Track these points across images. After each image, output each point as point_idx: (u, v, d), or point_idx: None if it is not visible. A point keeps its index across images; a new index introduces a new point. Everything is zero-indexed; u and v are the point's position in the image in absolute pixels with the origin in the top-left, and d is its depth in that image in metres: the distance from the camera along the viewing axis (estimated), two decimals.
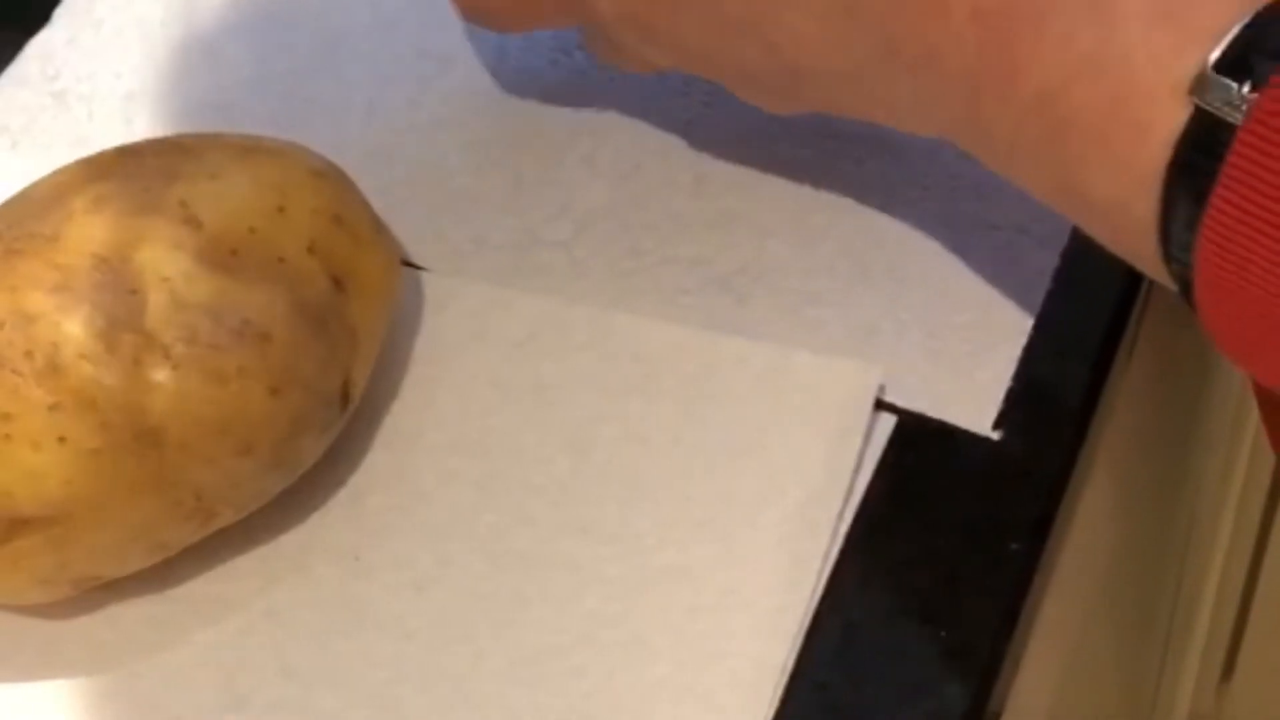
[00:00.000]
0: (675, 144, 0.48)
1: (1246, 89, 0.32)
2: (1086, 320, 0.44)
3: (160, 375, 0.38)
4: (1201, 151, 0.33)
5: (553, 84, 0.50)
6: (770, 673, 0.40)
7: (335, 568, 0.42)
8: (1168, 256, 0.34)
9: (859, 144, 0.47)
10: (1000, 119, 0.37)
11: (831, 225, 0.46)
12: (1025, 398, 0.43)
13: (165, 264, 0.39)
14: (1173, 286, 0.35)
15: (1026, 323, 0.44)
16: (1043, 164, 0.37)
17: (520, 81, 0.50)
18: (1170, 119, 0.33)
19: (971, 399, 0.43)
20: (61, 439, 0.38)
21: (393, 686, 0.40)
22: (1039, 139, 0.36)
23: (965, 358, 0.43)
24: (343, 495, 0.43)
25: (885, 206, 0.46)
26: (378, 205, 0.44)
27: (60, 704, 0.41)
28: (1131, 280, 0.45)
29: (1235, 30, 0.33)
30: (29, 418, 0.38)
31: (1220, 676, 1.03)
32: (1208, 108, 0.32)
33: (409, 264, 0.47)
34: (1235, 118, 0.32)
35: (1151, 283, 0.48)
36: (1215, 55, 0.33)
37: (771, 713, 0.39)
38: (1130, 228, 0.35)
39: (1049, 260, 0.45)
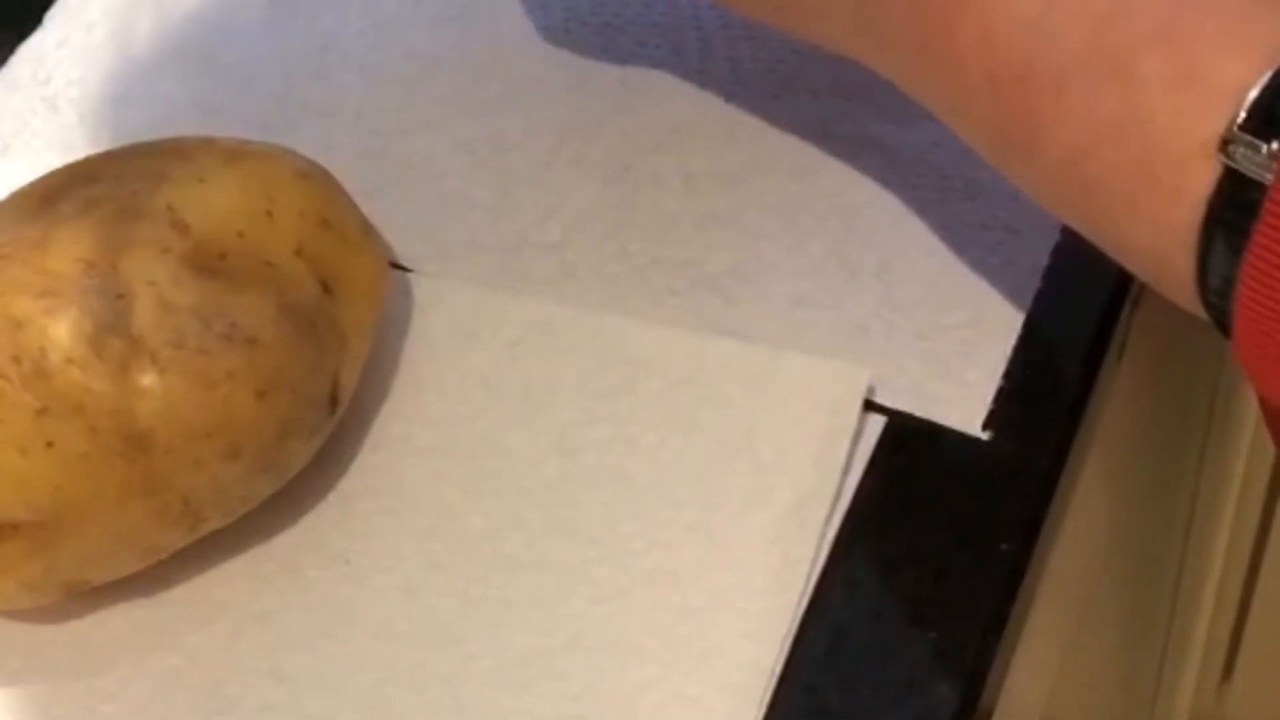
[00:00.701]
0: (664, 145, 0.48)
1: (1275, 145, 0.32)
2: (1077, 320, 0.44)
3: (148, 380, 0.38)
4: (1233, 209, 0.33)
5: (542, 86, 0.50)
6: (759, 675, 0.39)
7: (325, 571, 0.42)
8: (1206, 302, 0.35)
9: (849, 144, 0.47)
10: (1027, 174, 0.38)
11: (820, 226, 0.46)
12: (1015, 397, 0.43)
13: (152, 268, 0.39)
14: (1207, 319, 0.36)
15: (1017, 322, 0.44)
16: (1073, 215, 0.38)
17: (509, 83, 0.50)
18: (1200, 179, 0.34)
19: (961, 399, 0.42)
20: (49, 444, 0.38)
21: (382, 689, 0.40)
22: (1067, 196, 0.37)
23: (955, 358, 0.43)
24: (332, 498, 0.43)
25: (874, 207, 0.46)
26: (367, 207, 0.44)
27: (50, 708, 0.41)
28: (1122, 280, 0.45)
29: (1257, 90, 0.33)
30: (16, 423, 0.38)
31: (1221, 676, 1.03)
32: (1236, 167, 0.33)
33: (398, 266, 0.47)
34: (1265, 176, 0.32)
35: (1143, 284, 0.49)
36: (1241, 116, 0.33)
37: (761, 715, 0.39)
38: (1167, 275, 0.36)
39: (1039, 260, 0.45)
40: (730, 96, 0.49)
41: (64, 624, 0.42)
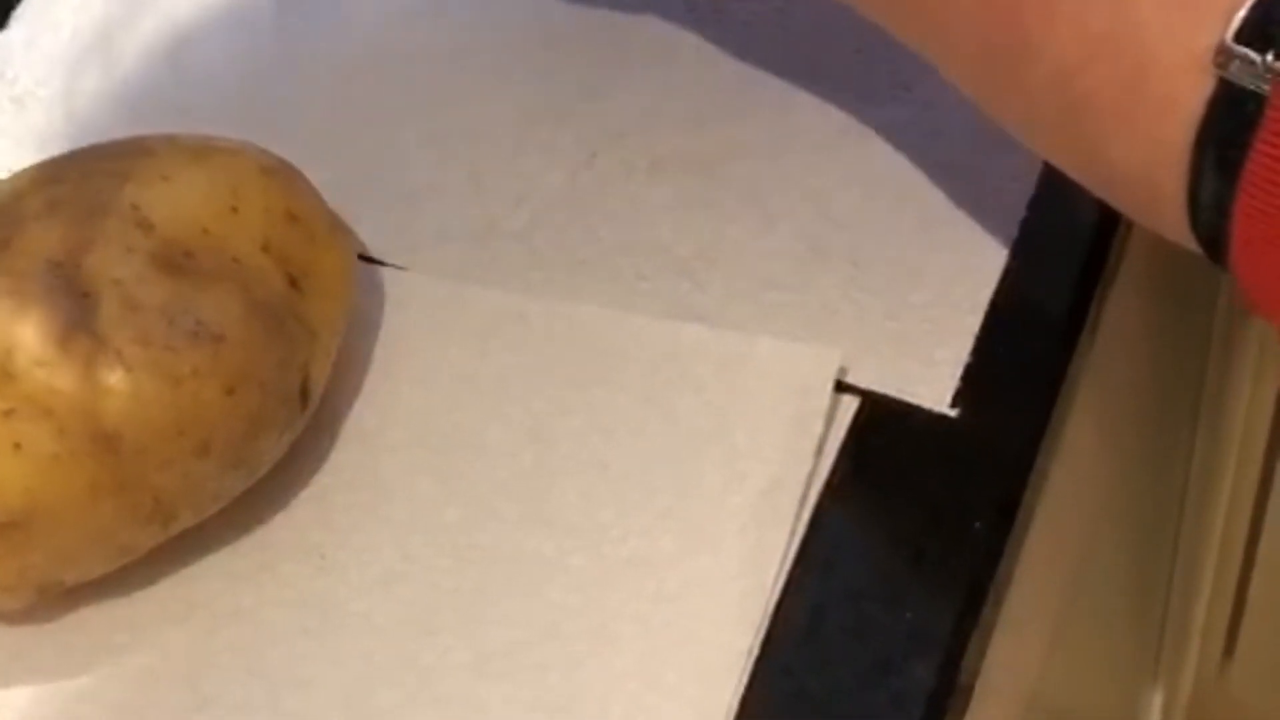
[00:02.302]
0: (631, 130, 0.48)
1: (1270, 58, 0.33)
2: (1048, 295, 0.44)
3: (114, 378, 0.38)
4: (1227, 121, 0.33)
5: (508, 75, 0.50)
6: (735, 659, 0.39)
7: (301, 566, 0.42)
8: (1195, 222, 0.35)
9: (817, 126, 0.47)
10: (1014, 98, 0.38)
11: (789, 208, 0.46)
12: (986, 375, 0.43)
13: (118, 267, 0.39)
14: (1195, 248, 0.36)
15: (985, 300, 0.44)
16: (1061, 140, 0.37)
17: (475, 74, 0.50)
18: (1193, 92, 0.34)
19: (931, 378, 0.42)
20: (17, 445, 0.38)
21: (360, 683, 0.40)
22: (1057, 117, 0.37)
23: (924, 337, 0.43)
24: (306, 494, 0.43)
25: (842, 187, 0.46)
26: (336, 201, 0.44)
27: (27, 709, 0.41)
28: (1093, 257, 0.45)
29: (1249, 3, 0.33)
30: None
31: (1222, 654, 1.03)
32: (1231, 79, 0.33)
33: (368, 259, 0.46)
34: (1262, 87, 0.33)
35: (1118, 255, 0.48)
36: (1234, 28, 0.33)
37: (737, 699, 0.39)
38: (1155, 197, 0.36)
39: (1007, 236, 0.44)
40: (697, 81, 0.49)
41: (40, 625, 0.42)
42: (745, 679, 0.39)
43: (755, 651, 0.40)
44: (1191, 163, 0.34)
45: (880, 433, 0.42)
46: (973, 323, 0.43)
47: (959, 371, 0.42)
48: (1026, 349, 0.43)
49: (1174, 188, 0.35)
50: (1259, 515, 0.93)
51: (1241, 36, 0.33)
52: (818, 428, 0.42)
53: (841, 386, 0.43)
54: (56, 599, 0.41)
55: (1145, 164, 0.35)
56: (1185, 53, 0.34)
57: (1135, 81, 0.35)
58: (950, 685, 0.40)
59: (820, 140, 0.47)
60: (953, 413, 0.42)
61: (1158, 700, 1.02)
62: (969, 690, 0.42)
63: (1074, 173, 0.38)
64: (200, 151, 0.42)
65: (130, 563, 0.41)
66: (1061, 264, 0.45)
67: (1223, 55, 0.33)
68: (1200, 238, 0.35)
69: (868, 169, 0.46)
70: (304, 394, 0.42)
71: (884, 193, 0.46)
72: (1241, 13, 0.33)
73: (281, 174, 0.43)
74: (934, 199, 0.45)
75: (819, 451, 0.42)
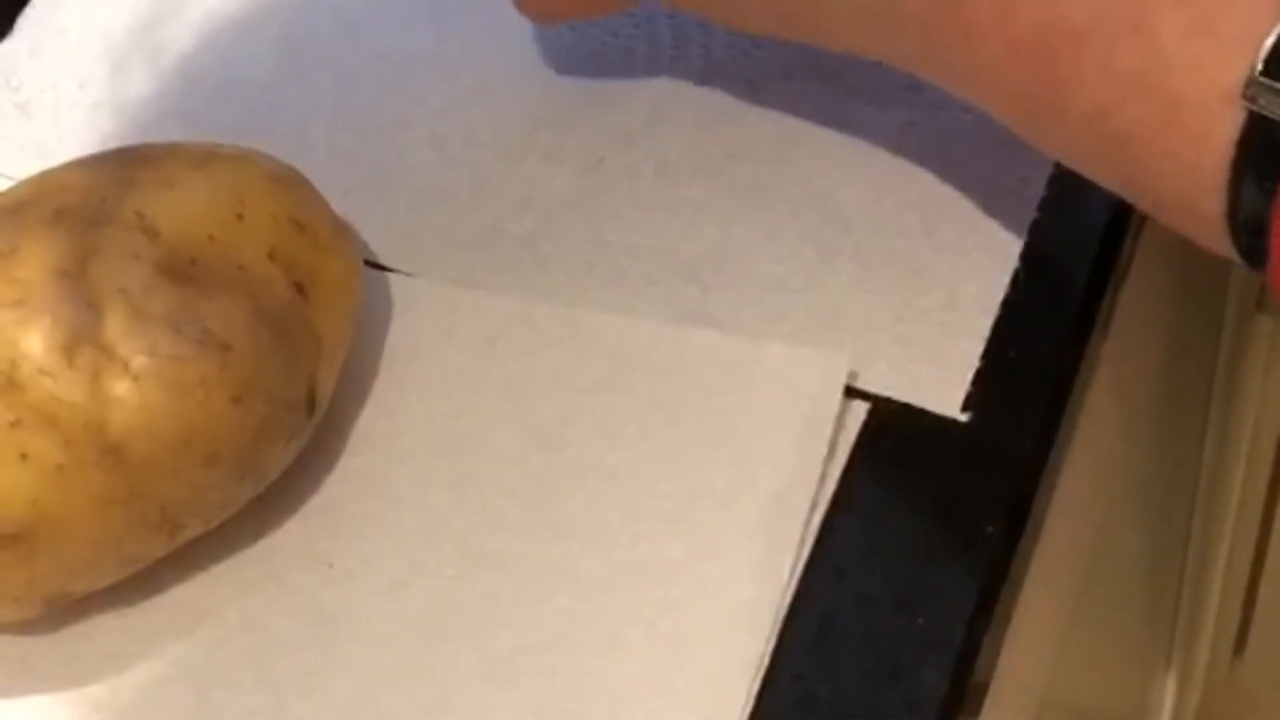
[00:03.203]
0: (638, 134, 0.48)
1: None
2: (1058, 297, 0.44)
3: (121, 388, 0.38)
4: (1264, 150, 0.34)
5: (514, 80, 0.50)
6: (746, 666, 0.39)
7: (308, 575, 0.42)
8: (1236, 240, 0.36)
9: (823, 128, 0.47)
10: (1052, 136, 0.39)
11: (796, 211, 0.46)
12: (996, 378, 0.42)
13: (123, 276, 0.39)
14: (1238, 261, 0.37)
15: (995, 302, 0.43)
16: (1100, 170, 0.39)
17: (481, 79, 0.50)
18: (1225, 125, 0.35)
19: (941, 381, 0.42)
20: (24, 456, 0.38)
21: (367, 692, 0.40)
22: (1094, 150, 0.38)
23: (933, 340, 0.43)
24: (314, 502, 0.43)
25: (849, 190, 0.46)
26: (342, 207, 0.44)
27: (36, 719, 0.41)
28: (1103, 256, 0.45)
29: (1273, 37, 0.34)
30: None
31: (1233, 652, 1.03)
32: (1262, 111, 0.34)
33: (374, 265, 0.46)
34: None
35: (1129, 256, 0.48)
36: (1261, 58, 0.34)
37: (748, 706, 0.39)
38: (1196, 219, 0.36)
39: (1017, 239, 0.44)
40: (703, 84, 0.48)
41: (48, 635, 0.42)
42: (756, 685, 0.39)
43: (766, 658, 0.39)
44: (1229, 189, 0.35)
45: (890, 437, 0.42)
46: (983, 325, 0.43)
47: (969, 375, 0.42)
48: (1037, 352, 0.43)
49: (1214, 210, 0.36)
50: (1270, 512, 0.93)
51: (1269, 67, 0.34)
52: (827, 432, 0.42)
53: (851, 391, 0.43)
54: (64, 609, 0.41)
55: (1184, 190, 0.36)
56: (1214, 88, 0.35)
57: (1168, 117, 0.35)
58: (962, 689, 0.39)
59: (827, 143, 0.47)
60: (963, 416, 0.42)
61: (1169, 698, 1.02)
62: (981, 694, 0.42)
63: (1116, 192, 0.39)
64: (205, 159, 0.42)
65: (138, 572, 0.41)
66: (1072, 266, 0.44)
67: (1251, 89, 0.34)
68: (1242, 253, 0.36)
69: (876, 171, 0.46)
70: (311, 402, 0.41)
71: (892, 195, 0.46)
72: (1269, 41, 0.34)
73: (287, 181, 0.43)
74: (943, 201, 0.45)
75: (829, 456, 0.42)
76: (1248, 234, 0.35)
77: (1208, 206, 0.36)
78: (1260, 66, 0.34)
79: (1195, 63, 0.35)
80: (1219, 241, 0.36)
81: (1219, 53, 0.35)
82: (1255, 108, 0.34)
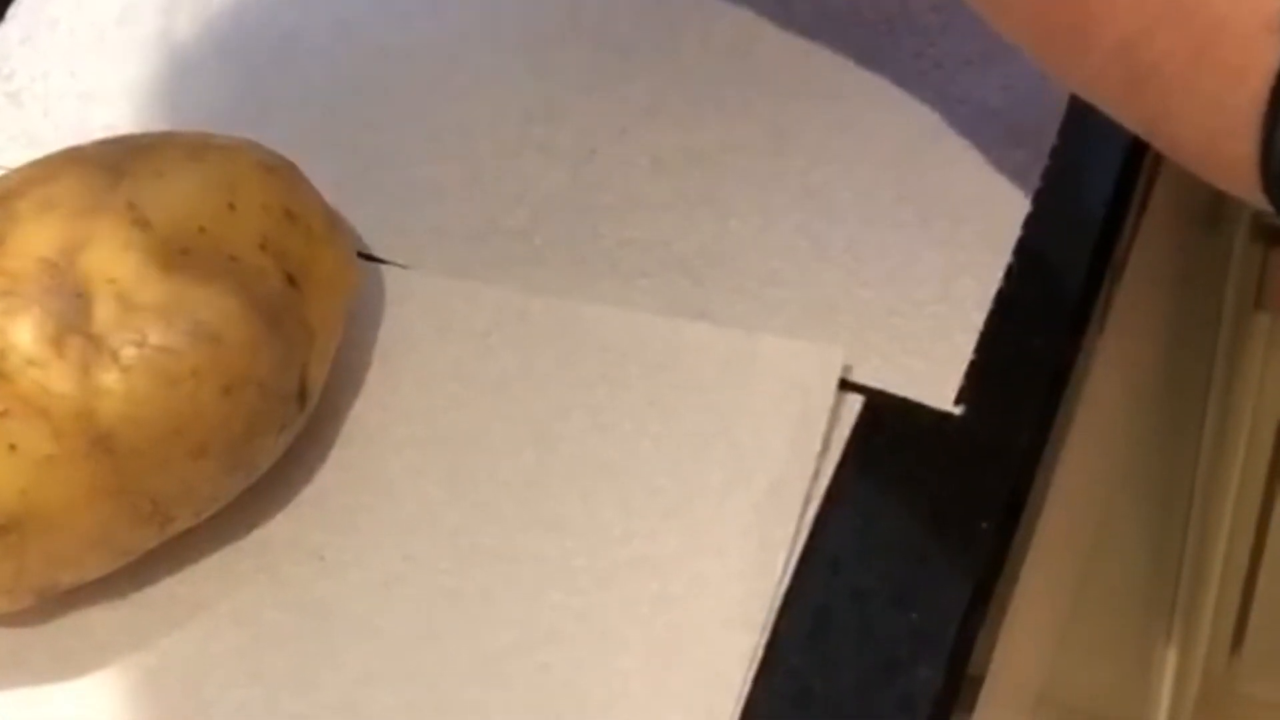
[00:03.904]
0: (632, 127, 0.47)
1: None
2: (1053, 290, 0.44)
3: (110, 379, 0.38)
4: None
5: (507, 73, 0.49)
6: (740, 661, 0.39)
7: (301, 568, 0.42)
8: (1266, 183, 0.35)
9: (818, 121, 0.47)
10: (1076, 70, 0.38)
11: (790, 204, 0.45)
12: (991, 372, 0.42)
13: (113, 266, 0.39)
14: (1264, 206, 0.36)
15: (989, 296, 0.43)
16: (1126, 106, 0.37)
17: (475, 72, 0.50)
18: (1263, 58, 0.33)
19: (935, 375, 0.42)
20: (12, 447, 0.38)
21: (360, 687, 0.40)
22: (1121, 86, 0.37)
23: (927, 334, 0.43)
24: (307, 494, 0.43)
25: (844, 183, 0.46)
26: (336, 199, 0.44)
27: (25, 712, 0.41)
28: (1099, 249, 0.45)
29: None
30: None
31: (1230, 648, 1.03)
32: None
33: (368, 257, 0.46)
34: None
35: (1125, 248, 0.48)
36: None
37: (742, 702, 0.39)
38: (1224, 160, 0.35)
39: (1012, 232, 0.44)
40: (698, 77, 0.48)
41: (39, 628, 0.41)
42: (750, 681, 0.39)
43: (760, 653, 0.39)
44: (1264, 127, 0.34)
45: (884, 431, 0.42)
46: (977, 319, 0.43)
47: (964, 368, 0.42)
48: (1032, 345, 0.43)
49: (1245, 151, 0.34)
50: (1267, 508, 0.92)
51: None
52: (822, 426, 0.42)
53: (845, 384, 0.42)
54: (55, 601, 0.41)
55: (1213, 130, 0.35)
56: (1256, 17, 0.33)
57: (1203, 48, 0.34)
58: (957, 685, 0.39)
59: (821, 136, 0.47)
60: (958, 410, 0.42)
61: (1167, 692, 1.02)
62: (976, 689, 0.42)
63: (1139, 133, 0.38)
64: (198, 148, 0.42)
65: (129, 565, 0.41)
66: (1067, 259, 0.44)
67: None
68: (1271, 198, 0.35)
69: (869, 165, 0.46)
70: (303, 394, 0.41)
71: (887, 188, 0.45)
72: None
73: (280, 171, 0.42)
74: (937, 194, 0.45)
75: (823, 450, 0.41)
76: (1278, 178, 0.34)
77: (1237, 148, 0.34)
78: None
79: None
80: (1246, 186, 0.35)
81: None
82: None
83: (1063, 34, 0.37)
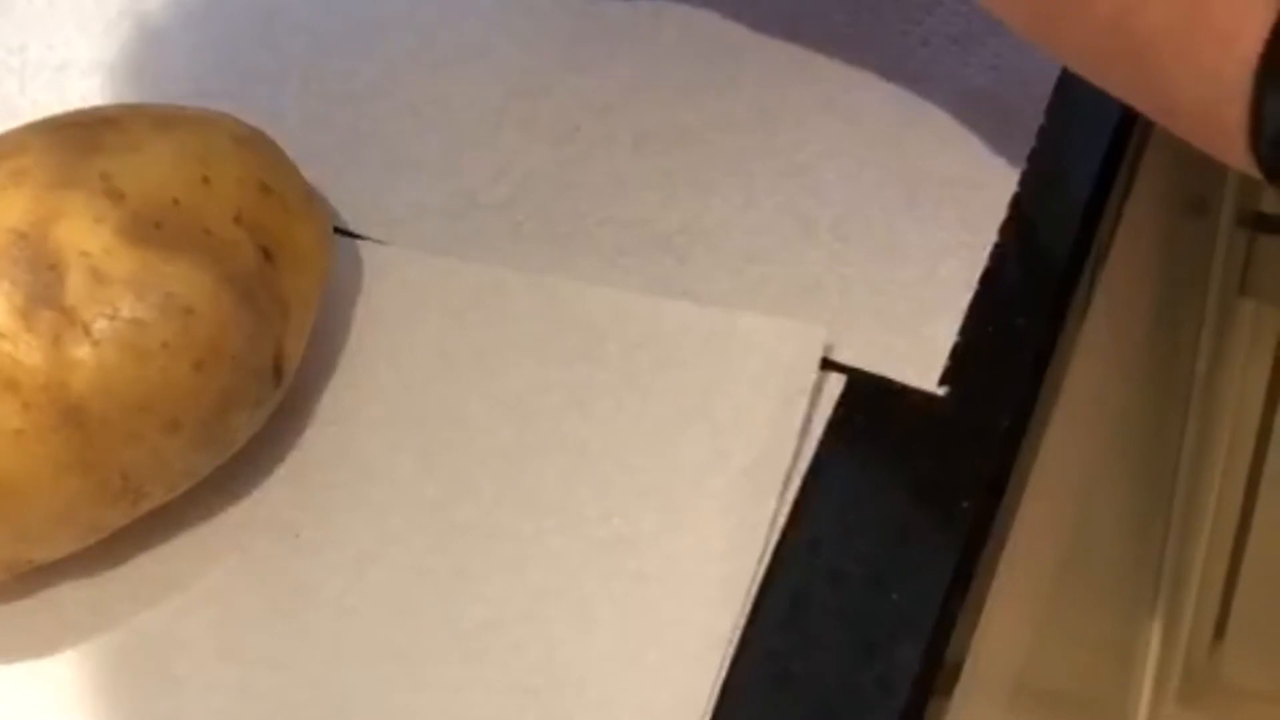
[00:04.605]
0: (615, 104, 0.47)
1: None
2: (1038, 273, 0.43)
3: (81, 352, 0.37)
4: None
5: (490, 47, 0.49)
6: (718, 641, 0.39)
7: (275, 546, 0.41)
8: (1257, 151, 0.35)
9: (803, 101, 0.46)
10: (1070, 40, 0.38)
11: (774, 183, 0.45)
12: (974, 353, 0.42)
13: (86, 238, 0.38)
14: (1256, 174, 0.36)
15: (973, 277, 0.43)
16: (1120, 76, 0.38)
17: (456, 45, 0.49)
18: (1254, 24, 0.33)
19: (918, 355, 0.42)
20: None
21: (334, 665, 0.40)
22: (1114, 56, 0.37)
23: (911, 314, 0.42)
24: (282, 471, 0.43)
25: (828, 163, 0.45)
26: (314, 173, 0.43)
27: None
28: (1083, 231, 0.44)
29: None
30: None
31: (1213, 635, 1.03)
32: None
33: (345, 232, 0.46)
34: None
35: (1109, 231, 0.48)
36: None
37: (719, 682, 0.38)
38: (1217, 129, 0.35)
39: (997, 213, 0.44)
40: (683, 54, 0.48)
41: (9, 604, 0.41)
42: (728, 661, 0.38)
43: (738, 633, 0.39)
44: (1254, 95, 0.34)
45: (866, 411, 0.42)
46: (961, 300, 0.42)
47: (947, 349, 0.42)
48: (1015, 327, 0.42)
49: (1236, 119, 0.35)
50: (1251, 494, 0.92)
51: None
52: (803, 405, 0.41)
53: (827, 364, 0.42)
54: (26, 579, 0.41)
55: (1206, 97, 0.35)
56: None
57: (1193, 17, 0.34)
58: (936, 667, 0.39)
59: (806, 115, 0.46)
60: (940, 391, 0.41)
61: (1149, 680, 1.02)
62: (955, 672, 0.42)
63: (1132, 103, 0.38)
64: (171, 120, 0.41)
65: (101, 542, 0.40)
66: (1052, 241, 0.44)
67: None
68: (1262, 166, 0.35)
69: (855, 144, 0.45)
70: (277, 370, 0.41)
71: (871, 168, 0.45)
72: None
73: (255, 143, 0.42)
74: (922, 175, 0.45)
75: (804, 430, 0.41)
76: (1269, 144, 0.34)
77: (1228, 114, 0.35)
78: None
79: None
80: (1237, 153, 0.35)
81: None
82: None
83: (1055, 6, 0.37)
